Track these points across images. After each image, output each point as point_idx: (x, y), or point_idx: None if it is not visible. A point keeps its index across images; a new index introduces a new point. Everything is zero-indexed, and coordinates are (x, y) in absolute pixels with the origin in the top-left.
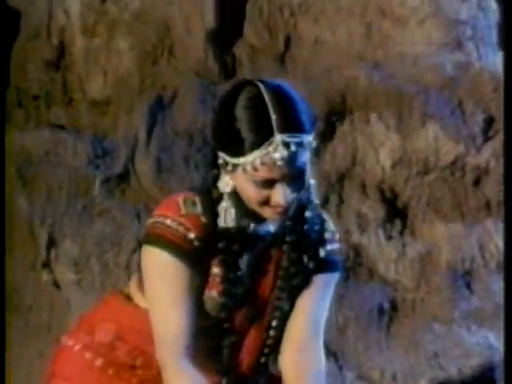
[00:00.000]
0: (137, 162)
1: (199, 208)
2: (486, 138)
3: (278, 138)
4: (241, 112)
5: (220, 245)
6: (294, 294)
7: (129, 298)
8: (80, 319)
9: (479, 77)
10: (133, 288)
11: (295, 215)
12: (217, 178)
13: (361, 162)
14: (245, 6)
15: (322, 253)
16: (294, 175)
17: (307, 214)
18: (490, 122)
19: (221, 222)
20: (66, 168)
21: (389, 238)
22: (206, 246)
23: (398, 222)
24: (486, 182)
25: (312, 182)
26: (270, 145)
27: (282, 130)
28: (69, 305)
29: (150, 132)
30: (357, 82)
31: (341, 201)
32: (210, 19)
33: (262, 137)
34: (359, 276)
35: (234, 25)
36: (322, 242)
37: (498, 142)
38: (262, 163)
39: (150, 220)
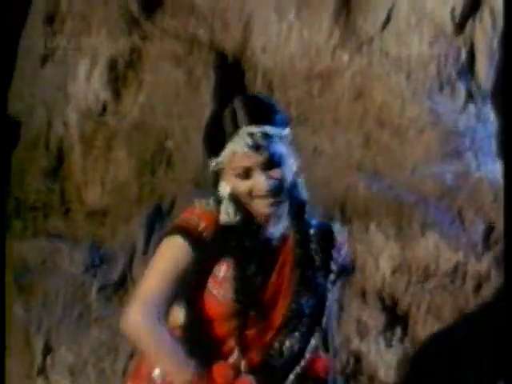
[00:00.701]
0: (134, 270)
1: (213, 207)
2: (487, 247)
3: (244, 129)
4: (220, 121)
5: (232, 242)
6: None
7: None
8: None
9: (478, 186)
10: None
11: (295, 216)
12: (217, 182)
13: (360, 269)
14: None
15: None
16: (267, 163)
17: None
18: (490, 230)
19: (222, 219)
20: (62, 276)
21: (389, 345)
22: (215, 239)
23: (398, 329)
24: (487, 290)
25: (300, 180)
26: (237, 136)
27: (247, 123)
28: None
29: (148, 241)
30: (356, 191)
31: (340, 308)
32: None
33: (232, 132)
34: (360, 383)
35: None
36: (333, 245)
37: (498, 251)
38: (234, 153)
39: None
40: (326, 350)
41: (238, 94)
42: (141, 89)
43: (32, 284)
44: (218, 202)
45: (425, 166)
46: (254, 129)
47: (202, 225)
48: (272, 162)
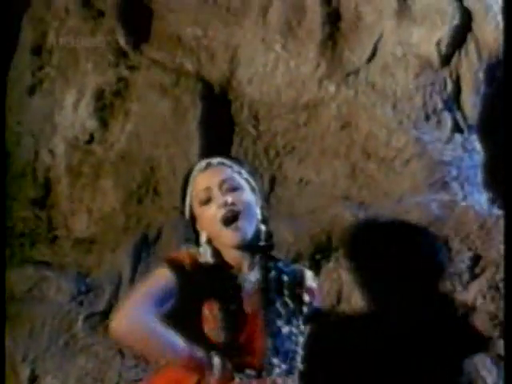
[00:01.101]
0: (121, 299)
1: (196, 250)
2: (473, 276)
3: (202, 161)
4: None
5: (211, 282)
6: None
7: None
8: None
9: (465, 215)
10: None
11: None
12: (198, 236)
13: (346, 298)
14: (230, 147)
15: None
16: (223, 184)
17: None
18: (476, 259)
19: (201, 259)
20: (49, 304)
21: None
22: (197, 274)
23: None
24: (474, 319)
25: (263, 228)
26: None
27: (205, 157)
28: None
29: (134, 270)
30: (342, 221)
31: None
32: (195, 160)
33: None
34: None
35: None
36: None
37: (484, 280)
38: (198, 180)
39: None
40: None
41: (224, 124)
42: (128, 118)
43: (18, 312)
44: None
45: (411, 195)
46: (210, 159)
47: (187, 261)
48: (229, 186)
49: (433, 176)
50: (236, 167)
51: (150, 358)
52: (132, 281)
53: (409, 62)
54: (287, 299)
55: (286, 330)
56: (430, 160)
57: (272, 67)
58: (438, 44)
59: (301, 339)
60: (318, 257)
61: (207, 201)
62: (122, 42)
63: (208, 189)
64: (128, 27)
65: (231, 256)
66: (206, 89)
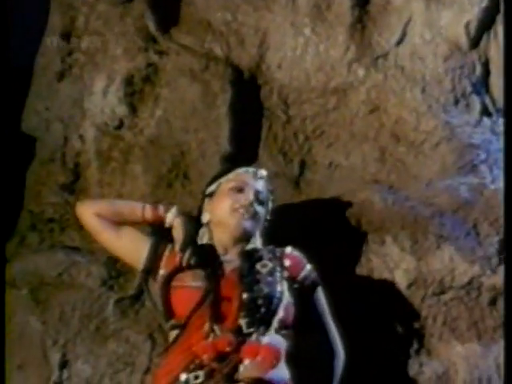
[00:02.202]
0: (151, 283)
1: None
2: (502, 259)
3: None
4: None
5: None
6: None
7: None
8: None
9: (493, 198)
10: None
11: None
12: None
13: (376, 281)
14: (260, 132)
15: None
16: (259, 195)
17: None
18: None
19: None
20: (79, 289)
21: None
22: None
23: (414, 342)
24: (503, 302)
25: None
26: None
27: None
28: None
29: None
30: (371, 205)
31: None
32: (224, 144)
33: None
34: None
35: (249, 149)
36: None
37: None
38: (243, 175)
39: None
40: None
41: (253, 108)
42: (157, 103)
43: (48, 297)
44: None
45: (440, 179)
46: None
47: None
48: (261, 198)
49: (462, 159)
50: (269, 183)
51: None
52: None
53: (438, 46)
54: (266, 261)
55: (260, 290)
56: (458, 143)
57: (301, 51)
58: (467, 26)
59: (282, 297)
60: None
61: (239, 190)
62: (151, 27)
63: (246, 185)
64: (157, 12)
65: (222, 241)
66: (235, 74)
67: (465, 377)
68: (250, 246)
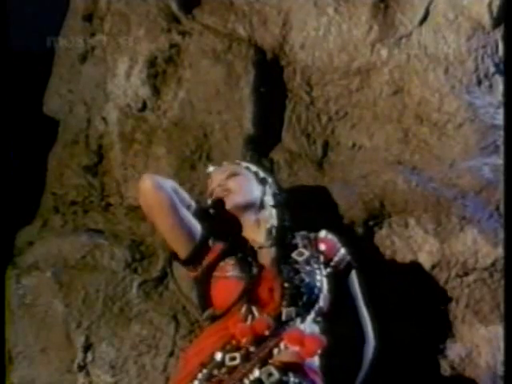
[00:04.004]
0: (175, 265)
1: None
2: None
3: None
4: None
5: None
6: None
7: None
8: None
9: None
10: None
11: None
12: None
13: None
14: (283, 113)
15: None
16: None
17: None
18: None
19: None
20: (102, 272)
21: None
22: None
23: (437, 325)
24: None
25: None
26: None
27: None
28: None
29: None
30: (395, 186)
31: None
32: (248, 126)
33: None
34: None
35: (272, 131)
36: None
37: None
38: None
39: None
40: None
41: (276, 90)
42: (180, 85)
43: (72, 280)
44: None
45: (463, 159)
46: None
47: None
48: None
49: (485, 140)
50: (245, 164)
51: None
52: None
53: (460, 25)
54: (302, 249)
55: (302, 280)
56: (481, 124)
57: (324, 31)
58: (490, 5)
59: (322, 286)
60: (370, 223)
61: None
62: (173, 7)
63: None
64: None
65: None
66: (258, 54)
67: (488, 359)
68: (272, 223)
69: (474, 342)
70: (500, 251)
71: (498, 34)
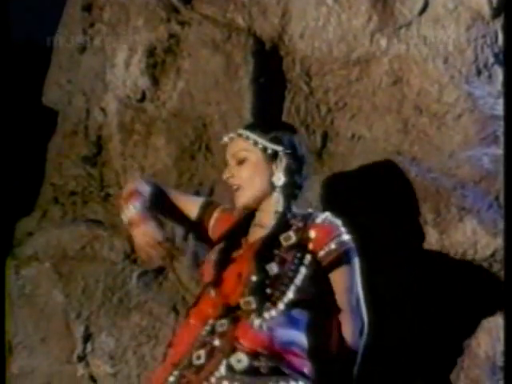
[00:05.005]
0: (175, 257)
1: None
2: None
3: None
4: None
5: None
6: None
7: None
8: None
9: None
10: None
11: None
12: None
13: None
14: (282, 104)
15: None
16: (233, 158)
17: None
18: None
19: None
20: (102, 262)
21: None
22: None
23: (437, 315)
24: None
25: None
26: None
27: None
28: None
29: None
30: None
31: None
32: (247, 116)
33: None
34: None
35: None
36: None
37: None
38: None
39: None
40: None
41: (275, 80)
42: (179, 75)
43: (71, 271)
44: None
45: (462, 150)
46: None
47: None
48: (236, 159)
49: (484, 130)
50: (245, 132)
51: None
52: (185, 238)
53: (460, 15)
54: (291, 233)
55: (271, 270)
56: (481, 114)
57: (324, 21)
58: None
59: (296, 277)
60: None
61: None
62: None
63: (228, 157)
64: None
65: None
66: (257, 44)
67: (487, 350)
68: (277, 208)
69: (474, 332)
70: (499, 242)
71: (498, 24)
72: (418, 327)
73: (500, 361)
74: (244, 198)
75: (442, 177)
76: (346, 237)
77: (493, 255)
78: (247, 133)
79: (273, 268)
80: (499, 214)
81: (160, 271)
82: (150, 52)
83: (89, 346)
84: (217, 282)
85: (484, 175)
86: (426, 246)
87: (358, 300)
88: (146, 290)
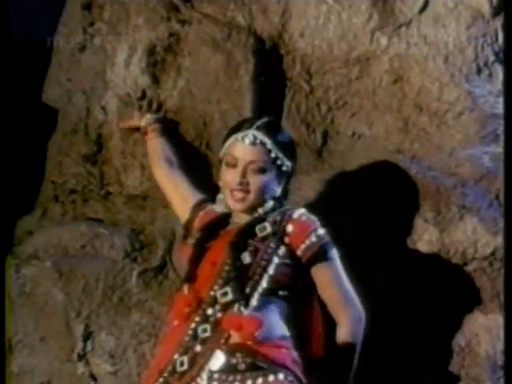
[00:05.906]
0: (174, 255)
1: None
2: None
3: (248, 130)
4: None
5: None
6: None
7: None
8: None
9: None
10: None
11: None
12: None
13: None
14: (282, 102)
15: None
16: (252, 165)
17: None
18: None
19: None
20: (102, 261)
21: None
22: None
23: (436, 313)
24: None
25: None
26: (237, 132)
27: (258, 112)
28: None
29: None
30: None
31: None
32: (247, 115)
33: (235, 131)
34: None
35: None
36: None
37: None
38: (236, 147)
39: None
40: None
41: (276, 78)
42: (179, 74)
43: (71, 269)
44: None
45: (463, 148)
46: (252, 130)
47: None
48: (255, 168)
49: (484, 129)
50: (269, 144)
51: None
52: (185, 237)
53: (460, 13)
54: (267, 224)
55: (244, 261)
56: (481, 113)
57: (324, 20)
58: None
59: (268, 267)
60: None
61: (232, 166)
62: None
63: (237, 159)
64: None
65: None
66: (257, 43)
67: (487, 348)
68: (262, 210)
69: (474, 331)
70: (500, 240)
71: (498, 22)
72: (418, 325)
73: (500, 359)
74: (248, 203)
75: (442, 175)
76: (322, 231)
77: (493, 253)
78: (270, 145)
79: (246, 257)
80: (499, 212)
81: (160, 269)
82: (151, 51)
83: (89, 345)
84: (191, 278)
85: (484, 174)
86: (426, 244)
87: (348, 289)
88: (147, 288)
